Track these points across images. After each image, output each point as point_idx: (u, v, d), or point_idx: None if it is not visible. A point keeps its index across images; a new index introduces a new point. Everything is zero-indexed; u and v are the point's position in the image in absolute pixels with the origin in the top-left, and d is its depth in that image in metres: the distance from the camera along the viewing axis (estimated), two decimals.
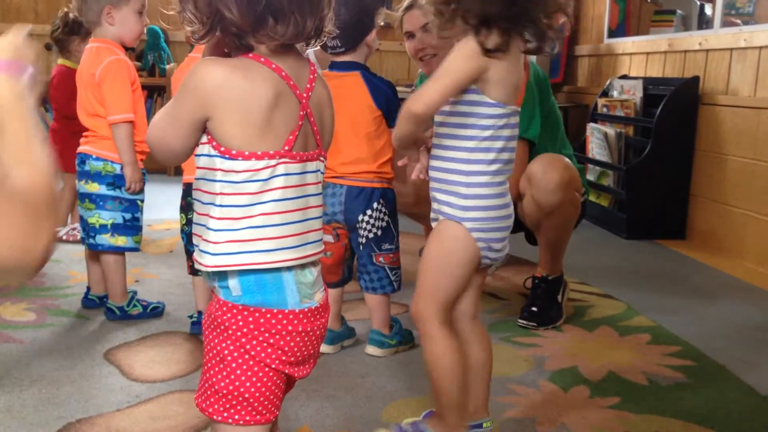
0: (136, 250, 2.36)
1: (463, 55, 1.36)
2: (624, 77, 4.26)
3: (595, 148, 4.13)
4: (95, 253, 2.35)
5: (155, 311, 2.36)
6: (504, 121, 1.40)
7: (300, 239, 1.07)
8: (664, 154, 3.67)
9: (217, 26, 1.03)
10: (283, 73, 1.04)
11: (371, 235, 1.98)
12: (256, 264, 1.04)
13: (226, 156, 1.02)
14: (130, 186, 2.25)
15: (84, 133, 2.30)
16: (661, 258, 3.39)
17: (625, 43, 4.52)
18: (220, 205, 1.04)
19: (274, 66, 1.04)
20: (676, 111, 3.63)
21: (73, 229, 3.24)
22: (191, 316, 2.25)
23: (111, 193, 2.25)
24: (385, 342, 2.07)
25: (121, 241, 2.28)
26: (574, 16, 5.21)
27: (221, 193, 1.04)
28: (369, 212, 1.97)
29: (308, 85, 1.08)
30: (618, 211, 3.86)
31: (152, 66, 5.13)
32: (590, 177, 4.20)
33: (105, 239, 2.27)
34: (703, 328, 2.41)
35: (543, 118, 2.36)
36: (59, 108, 3.26)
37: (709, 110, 3.56)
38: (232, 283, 1.05)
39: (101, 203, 2.25)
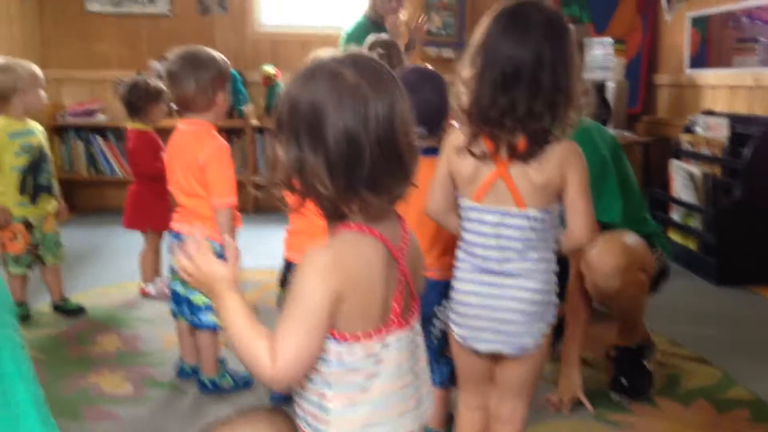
0: None
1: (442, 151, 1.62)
2: (708, 113, 4.13)
3: (680, 187, 4.01)
4: (190, 326, 2.41)
5: (246, 383, 2.41)
6: (463, 214, 1.56)
7: (417, 403, 1.07)
8: (756, 196, 3.54)
9: (309, 196, 1.02)
10: (385, 239, 1.04)
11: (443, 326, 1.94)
12: None
13: (342, 341, 1.01)
14: None
15: (177, 209, 2.35)
16: (756, 310, 3.25)
17: (707, 75, 4.38)
18: (335, 386, 1.02)
19: (377, 233, 1.03)
20: (767, 152, 3.50)
21: (163, 284, 3.33)
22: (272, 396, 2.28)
23: None
24: None
25: None
26: (652, 43, 5.09)
27: (336, 375, 1.02)
28: (445, 302, 1.93)
29: (401, 244, 1.07)
30: (707, 255, 3.73)
31: (230, 108, 5.26)
32: (674, 216, 4.08)
33: (209, 318, 2.31)
34: None
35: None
36: (142, 171, 3.32)
37: None
38: None
39: None
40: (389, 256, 1.04)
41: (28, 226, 2.94)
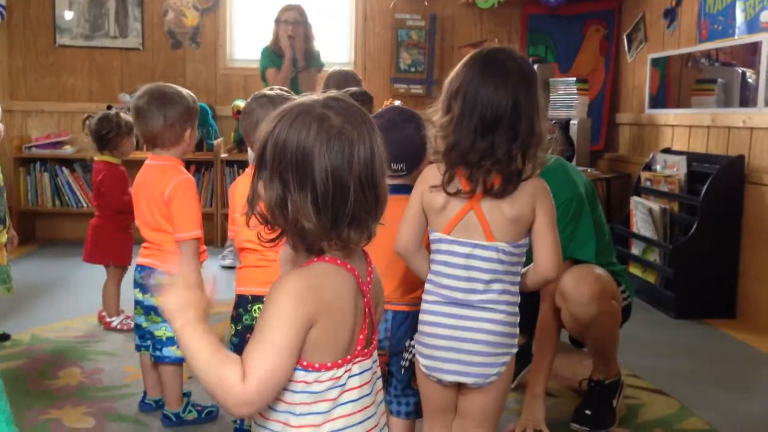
0: None
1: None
2: (667, 151, 4.26)
3: (640, 222, 4.12)
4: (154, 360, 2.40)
5: (210, 416, 2.40)
6: (434, 246, 1.61)
7: (378, 430, 1.10)
8: (712, 232, 3.63)
9: (289, 232, 1.05)
10: (356, 272, 1.08)
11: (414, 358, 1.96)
12: None
13: (310, 369, 1.04)
14: None
15: (144, 245, 2.36)
16: (712, 342, 3.34)
17: (667, 115, 4.52)
18: (300, 414, 1.04)
19: (349, 267, 1.07)
20: (722, 189, 3.62)
21: (127, 318, 3.31)
22: (234, 422, 2.27)
23: None
24: None
25: None
26: (614, 83, 5.24)
27: (301, 403, 1.04)
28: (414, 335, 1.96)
29: (368, 278, 1.12)
30: (665, 289, 3.82)
31: (200, 141, 5.29)
32: (635, 251, 4.18)
33: (172, 351, 2.31)
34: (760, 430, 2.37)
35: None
36: (107, 204, 3.32)
37: (755, 189, 3.54)
38: None
39: None
40: (357, 289, 1.08)
41: None
